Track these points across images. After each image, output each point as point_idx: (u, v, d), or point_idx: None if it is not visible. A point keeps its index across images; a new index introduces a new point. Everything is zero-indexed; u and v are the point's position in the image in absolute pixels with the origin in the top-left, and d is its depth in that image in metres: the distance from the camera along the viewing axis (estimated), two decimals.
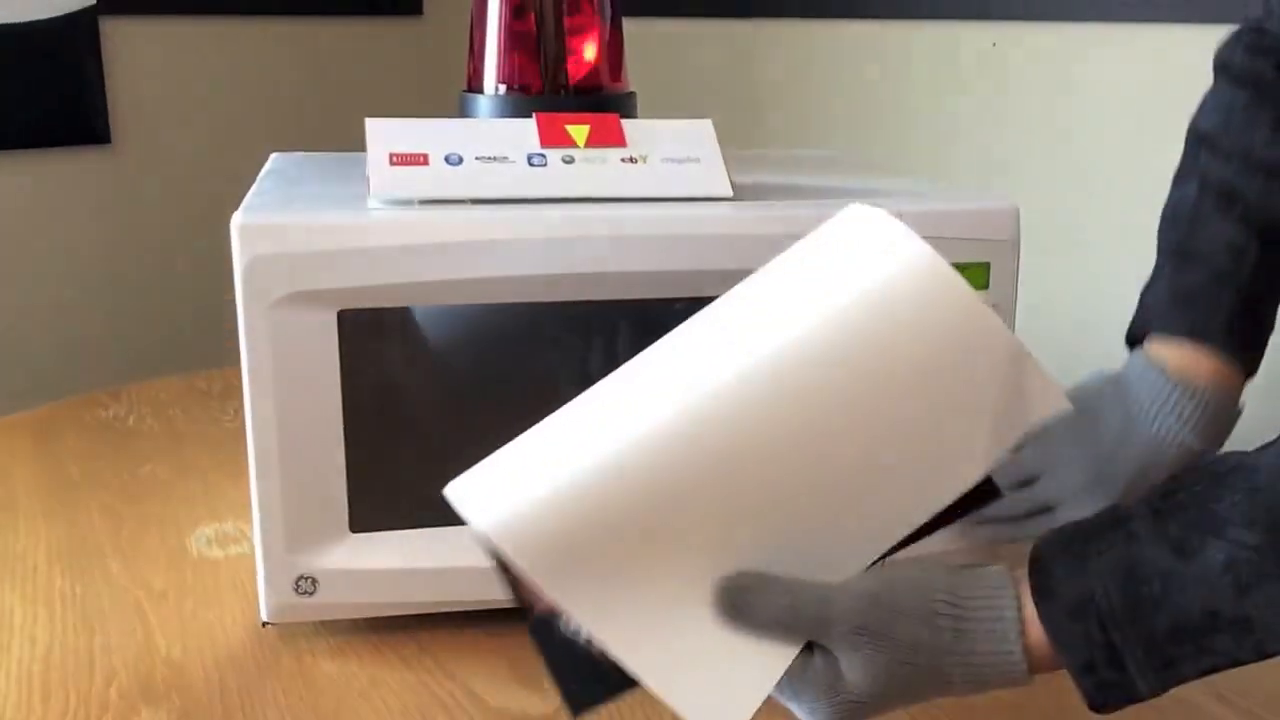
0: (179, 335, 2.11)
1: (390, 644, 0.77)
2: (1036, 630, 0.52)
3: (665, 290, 0.74)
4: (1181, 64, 1.20)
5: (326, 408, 0.72)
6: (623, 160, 0.77)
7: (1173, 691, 0.67)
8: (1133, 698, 0.52)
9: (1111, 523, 0.53)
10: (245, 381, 0.71)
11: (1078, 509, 0.70)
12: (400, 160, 0.75)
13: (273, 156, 0.94)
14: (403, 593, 0.76)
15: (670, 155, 0.78)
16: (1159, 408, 0.74)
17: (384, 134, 0.76)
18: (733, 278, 0.72)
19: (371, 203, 0.73)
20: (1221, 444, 0.75)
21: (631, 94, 0.94)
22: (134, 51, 2.02)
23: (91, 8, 1.94)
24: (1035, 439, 0.56)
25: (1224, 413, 0.75)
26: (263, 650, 0.76)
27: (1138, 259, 1.28)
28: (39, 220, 1.98)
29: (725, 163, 0.78)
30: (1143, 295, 0.79)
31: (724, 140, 0.80)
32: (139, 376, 1.35)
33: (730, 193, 0.77)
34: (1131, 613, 0.50)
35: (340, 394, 0.72)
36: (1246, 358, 0.76)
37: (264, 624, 0.76)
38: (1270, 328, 0.77)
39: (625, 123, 0.79)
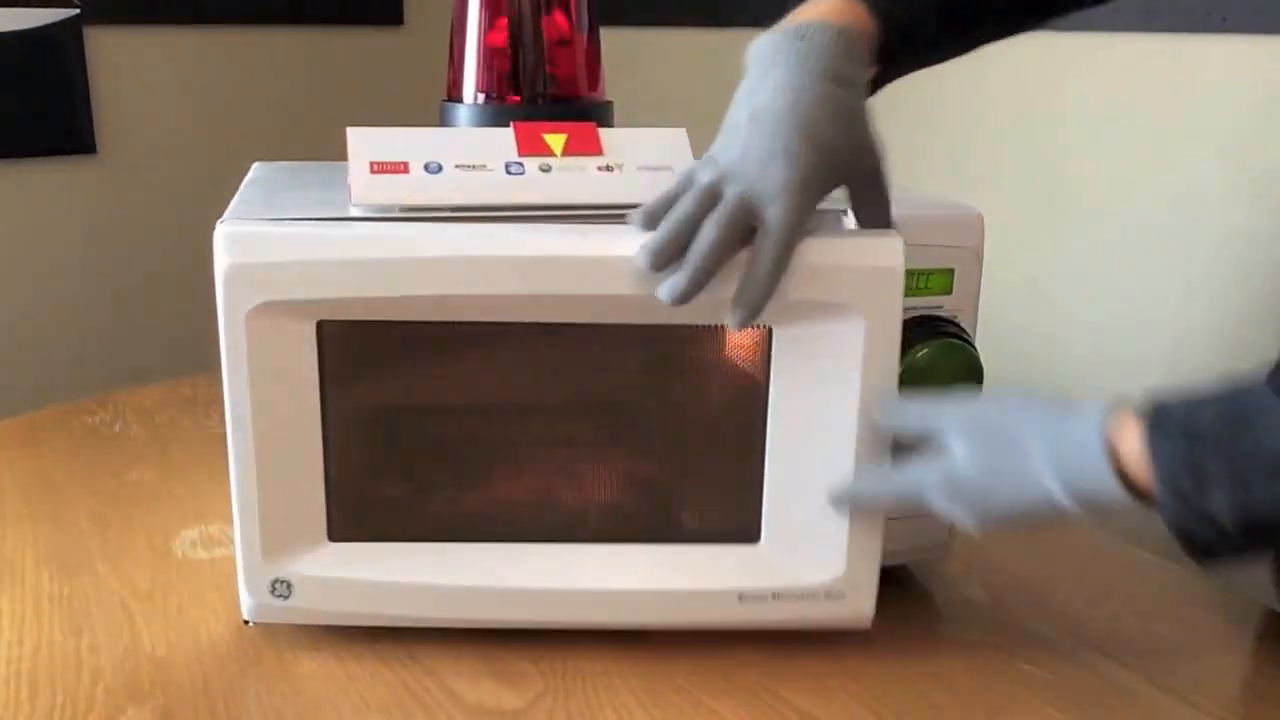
0: (165, 343, 2.12)
1: (368, 641, 0.78)
2: (1130, 441, 0.61)
3: (639, 299, 0.74)
4: (1146, 73, 1.23)
5: (305, 417, 0.73)
6: (599, 169, 0.79)
7: (1119, 683, 0.70)
8: (1213, 522, 0.57)
9: (1228, 386, 0.60)
10: (225, 388, 0.72)
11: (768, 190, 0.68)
12: (381, 169, 0.76)
13: (255, 165, 0.95)
14: (375, 604, 0.77)
15: (645, 163, 0.80)
16: (768, 57, 0.71)
17: (365, 143, 0.77)
18: (715, 304, 0.73)
19: (353, 210, 0.75)
20: (860, 65, 0.72)
21: (608, 103, 0.95)
22: (119, 61, 2.03)
23: (76, 17, 1.95)
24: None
25: (840, 32, 0.70)
26: (245, 649, 0.78)
27: (1100, 267, 1.30)
28: (24, 230, 1.99)
29: None
30: None
31: (697, 148, 0.82)
32: (125, 383, 1.36)
33: None
34: (1223, 438, 0.57)
35: (319, 404, 0.73)
36: (884, 16, 0.73)
37: (245, 622, 0.78)
38: (927, 17, 0.76)
39: (602, 131, 0.81)
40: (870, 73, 0.73)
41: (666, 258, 0.68)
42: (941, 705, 0.72)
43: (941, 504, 0.69)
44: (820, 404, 0.73)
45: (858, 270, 0.71)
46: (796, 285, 0.70)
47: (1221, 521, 0.57)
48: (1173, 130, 1.21)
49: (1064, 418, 0.65)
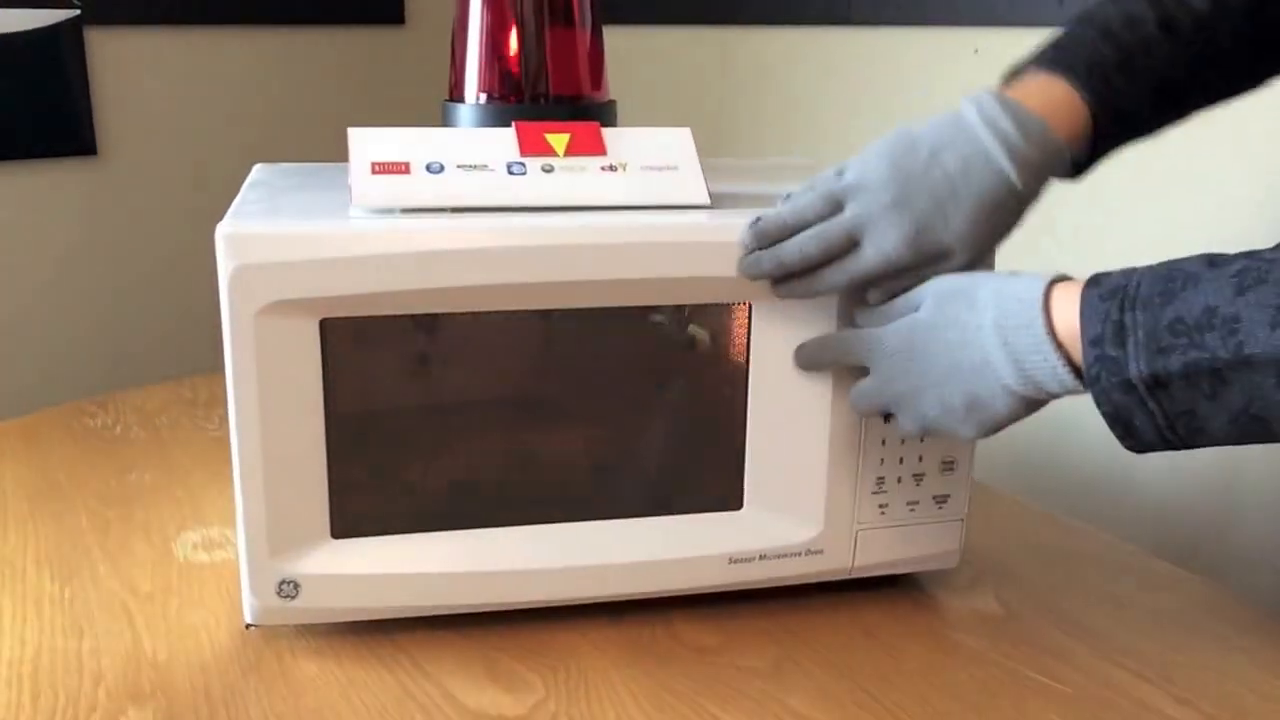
0: (165, 344, 2.11)
1: (369, 645, 0.78)
2: (1067, 305, 0.63)
3: (645, 297, 0.75)
4: None
5: (309, 415, 0.73)
6: (602, 169, 0.79)
7: (1133, 694, 0.69)
8: (1124, 379, 0.59)
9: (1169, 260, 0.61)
10: (229, 389, 0.72)
11: (882, 234, 0.71)
12: (382, 169, 0.76)
13: (256, 167, 0.95)
14: (384, 597, 0.77)
15: (649, 163, 0.79)
16: (977, 119, 0.71)
17: (366, 143, 0.77)
18: (709, 285, 0.74)
19: (354, 211, 0.74)
20: (1040, 183, 0.73)
21: (612, 102, 0.95)
22: (120, 62, 2.02)
23: (77, 18, 1.94)
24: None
25: (1050, 143, 0.71)
26: (245, 652, 0.77)
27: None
28: (26, 231, 1.99)
29: (703, 171, 0.80)
30: None
31: (702, 147, 0.81)
32: (126, 385, 1.36)
33: (707, 201, 0.78)
34: (1149, 300, 0.59)
35: (323, 402, 0.73)
36: (1100, 101, 0.73)
37: (247, 626, 0.77)
38: (1141, 98, 0.76)
39: (605, 131, 0.80)
40: (1048, 184, 0.74)
41: (767, 242, 0.73)
42: (949, 715, 0.72)
43: (891, 363, 0.71)
44: (797, 376, 0.78)
45: None
46: None
47: (1138, 386, 0.59)
48: (1198, 137, 1.20)
49: (1015, 275, 0.67)
